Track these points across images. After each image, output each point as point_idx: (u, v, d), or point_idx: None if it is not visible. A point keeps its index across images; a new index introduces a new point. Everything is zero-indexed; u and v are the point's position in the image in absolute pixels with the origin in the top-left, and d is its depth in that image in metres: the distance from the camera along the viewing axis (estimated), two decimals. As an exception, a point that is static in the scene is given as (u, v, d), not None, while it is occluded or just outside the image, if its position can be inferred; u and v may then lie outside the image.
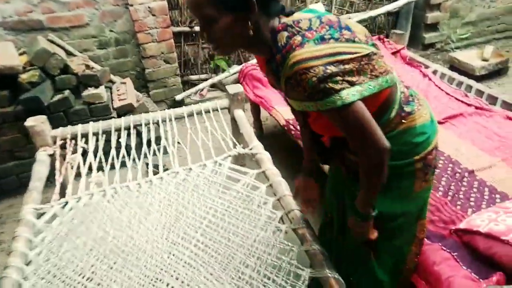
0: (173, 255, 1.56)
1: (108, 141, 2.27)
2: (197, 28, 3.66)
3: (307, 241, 1.47)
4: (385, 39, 3.35)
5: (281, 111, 2.60)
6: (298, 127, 2.39)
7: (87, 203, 1.87)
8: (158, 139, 2.37)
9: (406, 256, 1.44)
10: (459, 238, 1.56)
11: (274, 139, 3.22)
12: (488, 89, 2.78)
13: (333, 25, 1.05)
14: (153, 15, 3.28)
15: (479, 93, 2.72)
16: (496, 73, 3.94)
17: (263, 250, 1.51)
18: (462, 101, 2.60)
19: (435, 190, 1.86)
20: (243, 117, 2.53)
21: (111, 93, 3.09)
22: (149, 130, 2.37)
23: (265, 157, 2.08)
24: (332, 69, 0.99)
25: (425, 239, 1.55)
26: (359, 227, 1.29)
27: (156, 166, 2.18)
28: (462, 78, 2.89)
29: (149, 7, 3.23)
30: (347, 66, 1.01)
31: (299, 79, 1.00)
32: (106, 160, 2.13)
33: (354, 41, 1.05)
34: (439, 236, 1.59)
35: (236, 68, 3.77)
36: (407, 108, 1.21)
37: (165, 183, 1.99)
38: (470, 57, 4.00)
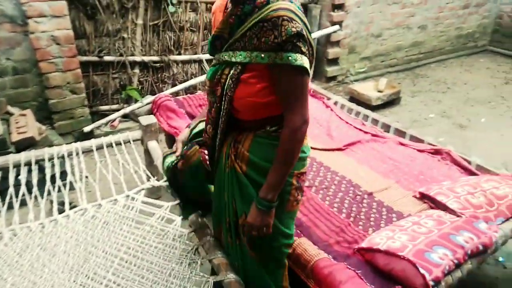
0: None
1: (5, 179, 2.09)
2: (106, 58, 3.57)
3: (222, 271, 1.49)
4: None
5: (195, 141, 2.61)
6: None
7: (-21, 249, 1.69)
8: (63, 174, 2.24)
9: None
10: (362, 256, 1.69)
11: (189, 169, 3.20)
12: (382, 117, 3.10)
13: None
14: (58, 44, 3.13)
15: (375, 121, 3.01)
16: (390, 103, 4.39)
17: (178, 284, 1.49)
18: (360, 129, 2.85)
19: (339, 212, 2.00)
20: (157, 148, 2.50)
21: (8, 125, 2.85)
22: (53, 165, 2.23)
23: None
24: (305, 33, 1.13)
25: (332, 259, 1.66)
26: (264, 217, 1.29)
27: (61, 204, 2.05)
28: (360, 109, 3.18)
29: (52, 36, 3.08)
30: (307, 44, 1.16)
31: (279, 23, 1.10)
32: (3, 200, 1.96)
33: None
34: (344, 255, 1.70)
35: (149, 98, 3.72)
36: None
37: (72, 222, 1.88)
38: (367, 88, 4.42)
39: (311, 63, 1.21)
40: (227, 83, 1.25)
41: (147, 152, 2.57)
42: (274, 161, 1.26)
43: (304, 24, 1.15)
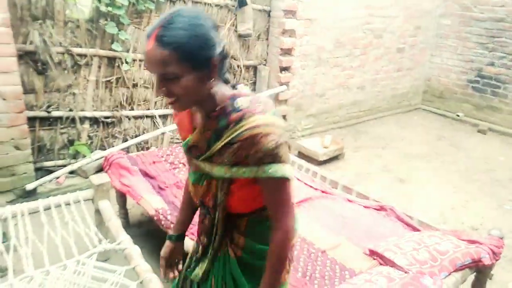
0: None
1: None
2: (55, 113, 3.49)
3: None
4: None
5: (150, 200, 2.58)
6: (169, 217, 2.40)
7: None
8: (5, 237, 2.11)
9: None
10: (319, 316, 1.73)
11: (142, 227, 3.13)
12: (330, 174, 3.26)
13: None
14: (4, 99, 3.04)
15: (323, 178, 3.16)
16: (335, 158, 4.63)
17: None
18: (310, 186, 2.98)
19: (295, 271, 2.04)
20: (109, 208, 2.44)
21: None
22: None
23: (135, 252, 2.03)
24: (283, 140, 1.11)
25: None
26: None
27: (3, 270, 1.92)
28: (309, 165, 3.33)
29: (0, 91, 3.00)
30: (287, 147, 1.15)
31: (256, 141, 1.07)
32: None
33: None
34: (303, 316, 1.73)
35: (98, 153, 3.65)
36: None
37: (19, 291, 1.76)
38: (314, 144, 4.65)
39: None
40: (218, 195, 1.24)
41: (97, 212, 2.50)
42: (267, 267, 1.22)
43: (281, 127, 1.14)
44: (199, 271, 1.38)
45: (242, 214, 1.30)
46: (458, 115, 6.32)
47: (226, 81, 1.21)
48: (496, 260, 2.24)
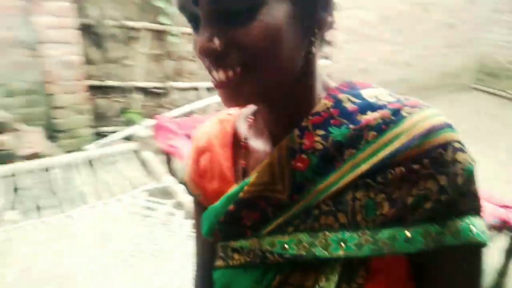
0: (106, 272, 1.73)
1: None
2: (111, 82, 3.81)
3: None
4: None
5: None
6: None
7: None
8: (72, 180, 2.45)
9: None
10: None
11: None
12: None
13: None
14: (68, 68, 3.37)
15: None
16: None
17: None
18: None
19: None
20: (153, 157, 2.75)
21: (19, 141, 3.04)
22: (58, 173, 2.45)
23: (179, 190, 2.35)
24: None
25: None
26: None
27: (70, 203, 2.28)
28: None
29: (63, 60, 3.33)
30: None
31: (451, 158, 0.49)
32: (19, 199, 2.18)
33: None
34: None
35: (149, 121, 3.94)
36: None
37: (85, 216, 2.13)
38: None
39: None
40: None
41: (143, 162, 2.80)
42: None
43: None
44: None
45: None
46: (512, 94, 6.03)
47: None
48: (529, 225, 2.22)
